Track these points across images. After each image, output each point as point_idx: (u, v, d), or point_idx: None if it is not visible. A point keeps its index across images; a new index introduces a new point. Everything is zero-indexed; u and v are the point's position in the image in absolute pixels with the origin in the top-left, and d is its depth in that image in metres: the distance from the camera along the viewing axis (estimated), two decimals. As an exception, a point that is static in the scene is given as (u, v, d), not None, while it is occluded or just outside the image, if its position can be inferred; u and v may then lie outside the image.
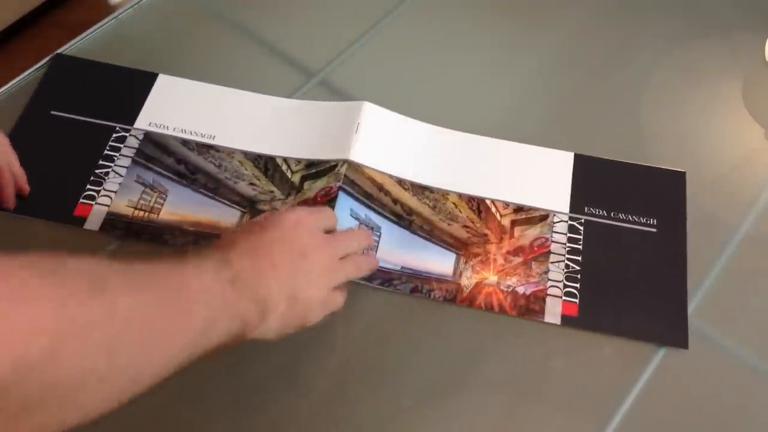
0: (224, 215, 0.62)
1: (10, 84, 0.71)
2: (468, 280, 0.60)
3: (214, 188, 0.63)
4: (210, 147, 0.65)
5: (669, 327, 0.58)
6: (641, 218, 0.63)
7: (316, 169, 0.64)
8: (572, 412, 0.55)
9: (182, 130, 0.66)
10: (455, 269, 0.60)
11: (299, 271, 0.50)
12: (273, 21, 0.78)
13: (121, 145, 0.65)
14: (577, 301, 0.59)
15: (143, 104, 0.68)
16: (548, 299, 0.59)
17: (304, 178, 0.63)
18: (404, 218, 0.62)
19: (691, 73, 0.75)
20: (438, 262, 0.61)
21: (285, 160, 0.65)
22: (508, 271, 0.60)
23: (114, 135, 0.66)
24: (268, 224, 0.51)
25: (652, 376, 0.57)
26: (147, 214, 0.61)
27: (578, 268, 0.60)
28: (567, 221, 0.63)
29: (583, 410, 0.56)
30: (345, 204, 0.61)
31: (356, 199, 0.62)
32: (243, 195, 0.63)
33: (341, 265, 0.53)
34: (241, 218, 0.62)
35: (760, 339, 0.59)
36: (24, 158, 0.62)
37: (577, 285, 0.59)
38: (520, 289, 0.59)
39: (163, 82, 0.70)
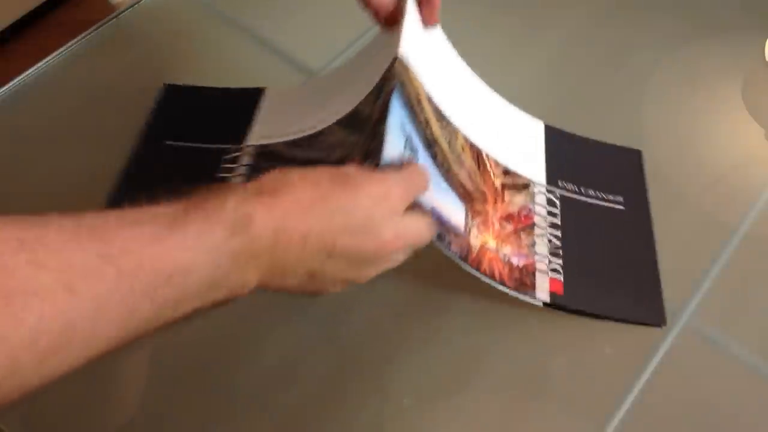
0: (452, 205, 0.54)
1: (11, 84, 0.71)
2: (475, 240, 0.54)
3: (447, 170, 0.55)
4: (443, 117, 0.56)
5: (646, 306, 0.58)
6: (609, 195, 0.62)
7: (512, 180, 0.58)
8: (572, 412, 0.55)
9: (291, 133, 0.61)
10: (466, 224, 0.54)
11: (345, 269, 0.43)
12: (273, 20, 0.78)
13: (235, 165, 0.63)
14: (562, 278, 0.57)
15: (252, 120, 0.65)
16: (538, 274, 0.57)
17: (503, 186, 0.58)
18: (430, 146, 0.54)
19: (691, 73, 0.75)
20: (454, 211, 0.53)
21: (488, 157, 0.58)
22: (504, 238, 0.56)
23: (225, 156, 0.63)
24: (349, 200, 0.42)
25: (652, 376, 0.57)
26: None
27: (559, 243, 0.58)
28: (545, 193, 0.60)
29: (583, 410, 0.56)
30: (398, 114, 0.50)
31: (406, 108, 0.52)
32: (465, 187, 0.55)
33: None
34: (467, 214, 0.53)
35: (760, 339, 0.59)
36: (142, 190, 0.59)
37: (561, 261, 0.57)
38: (515, 260, 0.56)
39: (271, 94, 0.67)
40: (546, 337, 0.58)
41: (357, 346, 0.58)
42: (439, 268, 0.62)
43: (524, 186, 0.60)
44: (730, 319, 0.60)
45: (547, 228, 0.58)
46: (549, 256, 0.57)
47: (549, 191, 0.60)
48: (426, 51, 0.57)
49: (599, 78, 0.74)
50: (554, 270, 0.57)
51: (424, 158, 0.52)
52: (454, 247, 0.53)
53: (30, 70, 0.72)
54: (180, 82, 0.71)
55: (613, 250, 0.60)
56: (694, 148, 0.70)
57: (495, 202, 0.57)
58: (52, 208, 0.65)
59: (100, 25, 0.76)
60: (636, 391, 0.56)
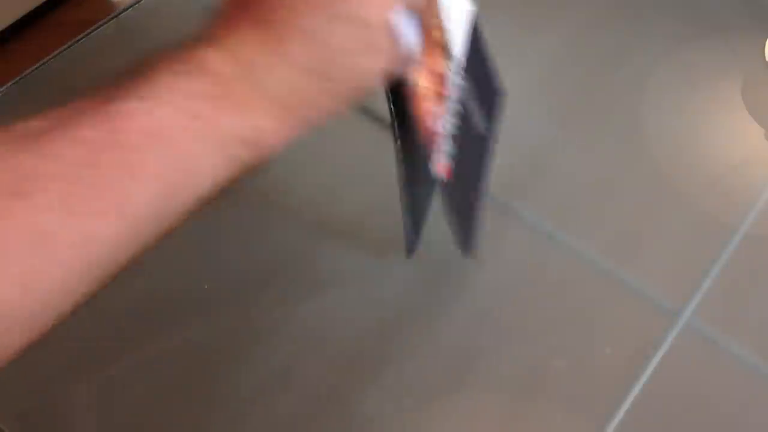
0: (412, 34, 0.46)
1: (11, 84, 0.71)
2: (415, 72, 0.48)
3: None
4: None
5: (468, 233, 0.58)
6: (480, 115, 0.57)
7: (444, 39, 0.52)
8: (572, 412, 0.55)
9: None
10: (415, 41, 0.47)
11: (330, 27, 0.34)
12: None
13: None
14: (449, 165, 0.52)
15: None
16: (436, 148, 0.51)
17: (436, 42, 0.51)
18: None
19: (691, 73, 0.75)
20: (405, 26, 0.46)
21: None
22: (427, 92, 0.51)
23: None
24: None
25: (652, 376, 0.57)
26: None
27: (456, 132, 0.53)
28: (458, 77, 0.53)
29: (583, 410, 0.56)
30: None
31: None
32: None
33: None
34: (418, 30, 0.44)
35: (760, 339, 0.59)
36: None
37: (450, 150, 0.52)
38: (432, 115, 0.51)
39: None
40: (546, 337, 0.58)
41: (356, 346, 0.58)
42: (439, 268, 0.62)
43: (449, 55, 0.53)
44: (730, 319, 0.60)
45: (452, 111, 0.53)
46: (447, 138, 0.52)
47: (460, 77, 0.54)
48: None
49: (599, 78, 0.74)
50: (446, 153, 0.52)
51: None
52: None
53: (30, 70, 0.72)
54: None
55: (473, 170, 0.58)
56: (694, 148, 0.70)
57: (434, 49, 0.51)
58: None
59: (100, 25, 0.76)
60: (636, 391, 0.56)
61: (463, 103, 0.55)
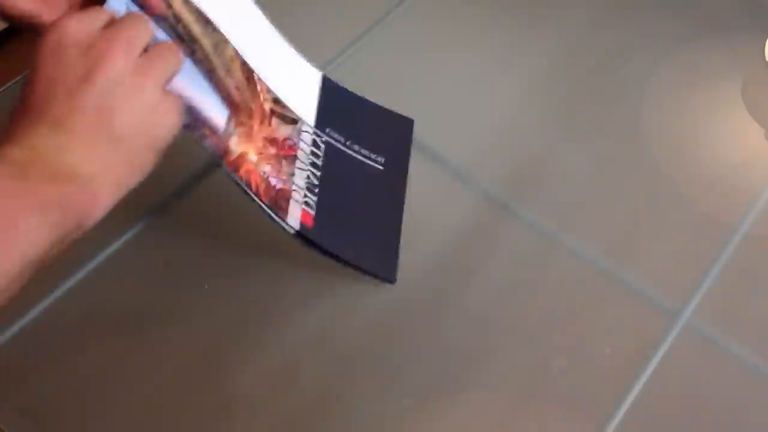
0: (214, 105, 0.53)
1: (11, 84, 0.71)
2: (235, 146, 0.54)
3: (208, 70, 0.53)
4: (209, 22, 0.54)
5: (381, 261, 0.61)
6: (372, 154, 0.65)
7: (281, 110, 0.60)
8: (572, 412, 0.55)
9: None
10: (226, 128, 0.53)
11: (98, 97, 0.39)
12: (273, 20, 0.78)
13: None
14: (313, 213, 0.59)
15: None
16: (292, 202, 0.58)
17: (272, 113, 0.59)
18: (186, 43, 0.51)
19: (691, 73, 0.75)
20: (214, 109, 0.52)
21: (260, 80, 0.58)
22: (265, 157, 0.57)
23: None
24: (36, 63, 0.40)
25: (652, 376, 0.57)
26: None
27: (317, 182, 0.60)
28: (311, 134, 0.62)
29: (583, 410, 0.56)
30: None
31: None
32: (231, 95, 0.55)
33: (148, 61, 0.42)
34: (229, 119, 0.53)
35: (760, 339, 0.59)
36: None
37: (315, 198, 0.59)
38: (272, 181, 0.57)
39: None
40: (546, 337, 0.58)
41: (357, 346, 0.58)
42: (439, 269, 0.62)
43: (292, 120, 0.61)
44: (730, 319, 0.60)
45: (308, 165, 0.60)
46: (305, 190, 0.59)
47: (315, 134, 0.62)
48: None
49: (599, 78, 0.74)
50: (307, 203, 0.58)
51: (169, 37, 0.50)
52: (209, 142, 0.51)
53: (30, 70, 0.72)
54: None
55: (365, 204, 0.63)
56: (694, 148, 0.70)
57: (261, 122, 0.57)
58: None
59: (100, 25, 0.76)
60: (636, 391, 0.56)
61: (330, 153, 0.62)
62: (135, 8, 0.48)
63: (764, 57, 0.74)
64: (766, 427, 0.56)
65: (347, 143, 0.64)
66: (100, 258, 0.61)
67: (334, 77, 0.73)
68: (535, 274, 0.62)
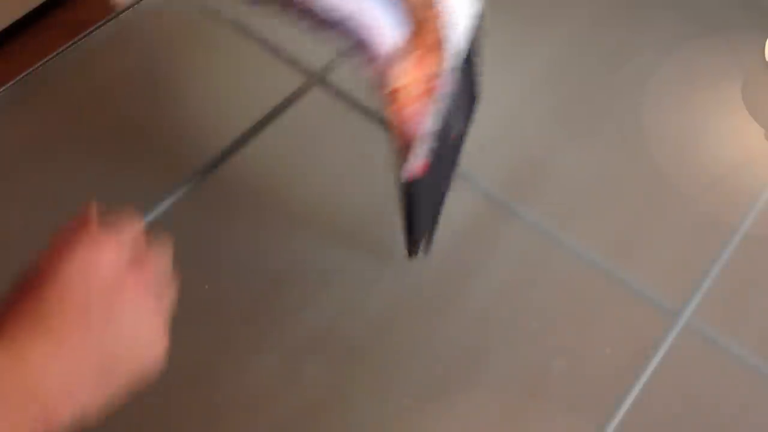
0: (389, 28, 0.46)
1: (11, 84, 0.71)
2: (398, 75, 0.47)
3: None
4: None
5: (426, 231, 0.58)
6: (466, 110, 0.60)
7: (444, 48, 0.50)
8: (572, 412, 0.55)
9: None
10: (397, 50, 0.46)
11: (108, 329, 0.39)
12: (273, 21, 0.78)
13: None
14: (429, 161, 0.50)
15: None
16: (417, 148, 0.49)
17: (440, 43, 0.50)
18: None
19: (691, 73, 0.75)
20: (388, 27, 0.46)
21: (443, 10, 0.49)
22: (422, 93, 0.48)
23: None
24: (44, 283, 0.38)
25: (652, 376, 0.57)
26: None
27: (441, 124, 0.51)
28: (454, 72, 0.52)
29: (583, 410, 0.56)
30: None
31: None
32: (414, 11, 0.47)
33: (159, 301, 0.42)
34: (403, 44, 0.45)
35: (760, 339, 0.59)
36: None
37: (433, 144, 0.50)
38: (419, 114, 0.48)
39: None
40: (546, 337, 0.58)
41: (357, 346, 0.58)
42: (439, 269, 0.62)
43: (450, 53, 0.50)
44: (730, 319, 0.60)
45: (442, 106, 0.50)
46: (432, 135, 0.50)
47: (456, 72, 0.52)
48: None
49: (599, 78, 0.74)
50: (426, 148, 0.49)
51: None
52: (368, 69, 0.46)
53: (30, 70, 0.72)
54: (179, 82, 0.71)
55: (446, 171, 0.60)
56: (694, 148, 0.70)
57: (432, 50, 0.49)
58: (51, 207, 0.65)
59: (100, 25, 0.76)
60: (636, 391, 0.56)
61: (450, 101, 0.53)
62: None
63: (764, 57, 0.74)
64: (766, 427, 0.56)
65: (457, 95, 0.54)
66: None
67: (334, 77, 0.73)
68: (535, 274, 0.62)
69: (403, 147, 0.49)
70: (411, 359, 0.57)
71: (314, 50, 0.75)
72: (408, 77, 0.47)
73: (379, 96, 0.47)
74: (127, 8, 0.78)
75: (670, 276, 0.62)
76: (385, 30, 0.45)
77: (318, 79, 0.73)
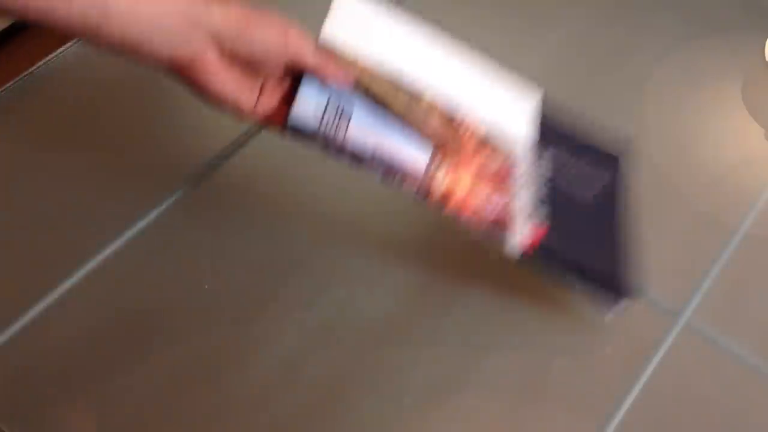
0: (413, 148, 0.56)
1: (11, 83, 0.71)
2: (441, 182, 0.56)
3: (406, 123, 0.57)
4: (400, 87, 0.58)
5: (620, 276, 0.58)
6: (597, 168, 0.63)
7: (496, 136, 0.60)
8: (572, 412, 0.55)
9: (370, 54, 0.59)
10: (429, 166, 0.56)
11: None
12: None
13: None
14: (547, 224, 0.57)
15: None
16: (516, 222, 0.56)
17: (484, 141, 0.59)
18: (380, 106, 0.57)
19: (691, 73, 0.75)
20: (413, 153, 0.56)
21: (465, 117, 0.59)
22: (480, 186, 0.57)
23: None
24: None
25: (652, 376, 0.57)
26: (334, 128, 0.55)
27: (547, 193, 0.59)
28: (535, 152, 0.61)
29: (583, 410, 0.56)
30: (312, 83, 0.55)
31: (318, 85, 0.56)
32: (434, 134, 0.57)
33: None
34: (432, 158, 0.56)
35: (760, 339, 0.59)
36: None
37: (547, 210, 0.58)
38: (489, 208, 0.56)
39: (338, 3, 0.61)
40: (546, 337, 0.58)
41: (357, 346, 0.58)
42: (439, 269, 0.62)
43: (510, 144, 0.60)
44: (730, 319, 0.60)
45: (534, 181, 0.59)
46: (532, 206, 0.57)
47: (539, 150, 0.61)
48: (369, 31, 0.61)
49: (599, 78, 0.74)
50: (536, 218, 0.57)
51: (364, 109, 0.56)
52: (408, 185, 0.55)
53: (30, 70, 0.72)
54: (175, 85, 0.70)
55: (598, 215, 0.60)
56: (694, 148, 0.70)
57: (474, 152, 0.58)
58: (51, 207, 0.65)
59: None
60: (636, 391, 0.56)
61: (558, 164, 0.61)
62: (327, 95, 0.55)
63: (764, 57, 0.74)
64: (766, 427, 0.56)
65: (575, 154, 0.62)
66: (100, 257, 0.61)
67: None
68: (534, 275, 0.62)
69: (493, 229, 0.56)
70: (411, 359, 0.57)
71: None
72: (450, 180, 0.56)
73: (431, 204, 0.55)
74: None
75: (670, 276, 0.62)
76: (409, 154, 0.56)
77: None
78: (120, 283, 0.60)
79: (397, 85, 0.58)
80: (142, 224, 0.63)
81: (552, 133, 0.63)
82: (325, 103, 0.55)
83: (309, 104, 0.55)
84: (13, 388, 0.55)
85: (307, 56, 0.53)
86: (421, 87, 0.60)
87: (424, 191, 0.56)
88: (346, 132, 0.56)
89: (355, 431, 0.55)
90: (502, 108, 0.63)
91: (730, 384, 0.57)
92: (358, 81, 0.57)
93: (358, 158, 0.56)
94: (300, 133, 0.54)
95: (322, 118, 0.55)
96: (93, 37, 0.45)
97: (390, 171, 0.55)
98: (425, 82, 0.60)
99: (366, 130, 0.56)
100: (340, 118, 0.55)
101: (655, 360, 0.58)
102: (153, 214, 0.64)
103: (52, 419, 0.54)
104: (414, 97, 0.59)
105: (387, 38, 0.62)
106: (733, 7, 0.80)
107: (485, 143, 0.59)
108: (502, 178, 0.58)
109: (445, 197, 0.56)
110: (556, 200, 0.59)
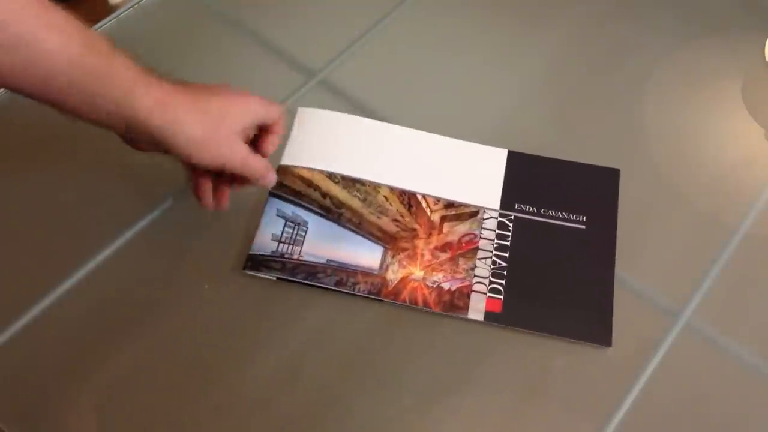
0: (366, 251, 0.61)
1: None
2: (394, 274, 0.60)
3: (358, 223, 0.63)
4: (356, 181, 0.65)
5: (593, 324, 0.58)
6: (570, 215, 0.63)
7: (455, 211, 0.63)
8: (572, 412, 0.55)
9: (327, 165, 0.65)
10: (382, 263, 0.61)
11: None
12: (273, 21, 0.78)
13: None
14: (501, 297, 0.59)
15: (287, 141, 0.67)
16: (473, 295, 0.59)
17: (443, 219, 0.63)
18: (333, 211, 0.63)
19: (691, 73, 0.75)
20: (365, 254, 0.61)
21: (424, 197, 0.64)
22: (435, 266, 0.61)
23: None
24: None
25: (652, 376, 0.57)
26: (291, 247, 0.61)
27: (505, 264, 0.61)
28: (497, 218, 0.63)
29: (583, 410, 0.56)
30: (272, 205, 0.63)
31: (283, 198, 0.63)
32: (385, 231, 0.62)
33: None
34: (384, 254, 0.61)
35: (760, 339, 0.59)
36: None
37: (503, 282, 0.60)
38: (446, 285, 0.60)
39: (302, 114, 0.69)
40: (546, 337, 0.58)
41: (357, 346, 0.58)
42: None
43: (471, 214, 0.63)
44: (730, 319, 0.60)
45: (494, 251, 0.61)
46: (490, 278, 0.60)
47: (502, 215, 0.63)
48: (321, 143, 0.67)
49: (599, 78, 0.74)
50: (494, 290, 0.59)
51: (318, 224, 0.62)
52: (363, 287, 0.59)
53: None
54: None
55: (567, 268, 0.61)
56: (694, 148, 0.70)
57: (430, 235, 0.62)
58: (52, 207, 0.65)
59: (100, 26, 0.76)
60: (636, 391, 0.56)
61: (520, 228, 0.62)
62: (282, 221, 0.62)
63: (764, 57, 0.74)
64: (766, 427, 0.55)
65: (541, 211, 0.63)
66: (100, 257, 0.61)
67: (334, 78, 0.73)
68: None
69: (448, 307, 0.59)
70: (411, 359, 0.57)
71: (314, 50, 0.75)
72: (403, 271, 0.60)
73: (392, 290, 0.59)
74: (127, 8, 0.78)
75: (670, 276, 0.62)
76: (363, 256, 0.61)
77: (318, 79, 0.73)
78: (120, 283, 0.60)
79: (352, 186, 0.64)
80: (142, 224, 0.63)
81: (517, 193, 0.65)
82: (282, 226, 0.62)
83: (266, 236, 0.61)
84: (13, 388, 0.55)
85: (236, 160, 0.56)
86: (379, 178, 0.65)
87: (376, 288, 0.59)
88: (301, 249, 0.61)
89: (355, 431, 0.55)
90: (468, 175, 0.66)
91: (730, 384, 0.57)
92: (317, 185, 0.64)
93: (311, 272, 0.60)
94: (258, 260, 0.60)
95: (280, 240, 0.61)
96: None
97: (343, 278, 0.60)
98: (383, 173, 0.65)
99: (319, 244, 0.61)
100: (296, 237, 0.61)
101: (655, 360, 0.58)
102: (153, 214, 0.64)
103: (52, 419, 0.54)
104: (369, 193, 0.64)
105: (347, 140, 0.67)
106: (733, 7, 0.80)
107: (445, 219, 0.63)
108: (459, 255, 0.61)
109: (397, 288, 0.59)
110: (517, 266, 0.61)
